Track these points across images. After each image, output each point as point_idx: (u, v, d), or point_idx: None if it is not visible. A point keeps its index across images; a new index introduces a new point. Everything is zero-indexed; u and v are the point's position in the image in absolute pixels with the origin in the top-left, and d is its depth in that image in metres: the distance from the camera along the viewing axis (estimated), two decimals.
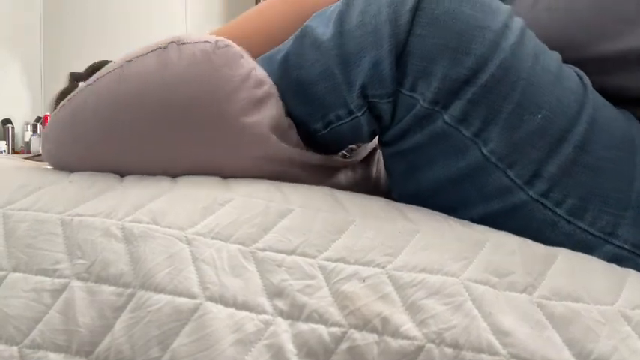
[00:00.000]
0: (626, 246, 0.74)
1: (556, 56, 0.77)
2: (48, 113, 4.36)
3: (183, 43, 0.77)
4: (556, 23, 0.84)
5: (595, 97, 0.77)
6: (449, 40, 0.69)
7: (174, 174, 0.79)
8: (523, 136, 0.71)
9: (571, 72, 0.77)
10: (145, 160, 0.79)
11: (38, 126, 4.38)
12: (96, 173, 0.80)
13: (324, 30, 0.76)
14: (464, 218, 0.76)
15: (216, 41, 0.76)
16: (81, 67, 4.46)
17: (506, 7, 0.74)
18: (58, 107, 0.80)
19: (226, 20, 4.55)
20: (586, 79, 0.78)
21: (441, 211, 0.77)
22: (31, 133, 4.31)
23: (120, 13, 4.47)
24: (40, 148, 0.84)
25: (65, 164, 0.82)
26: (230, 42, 0.78)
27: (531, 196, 0.73)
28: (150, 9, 4.50)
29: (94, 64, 4.44)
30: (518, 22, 0.74)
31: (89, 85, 0.79)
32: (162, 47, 0.78)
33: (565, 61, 0.78)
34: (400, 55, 0.71)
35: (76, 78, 4.46)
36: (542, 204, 0.73)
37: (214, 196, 0.74)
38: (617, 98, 0.80)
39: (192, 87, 0.75)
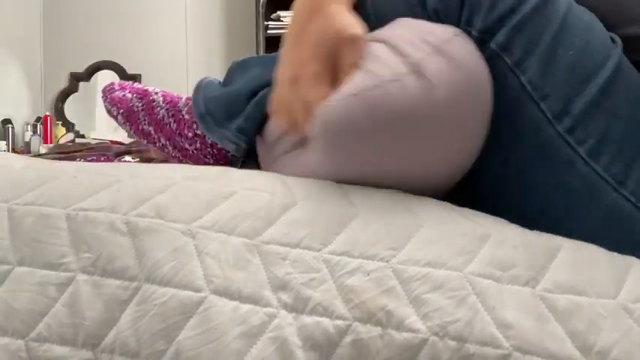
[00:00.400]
0: (632, 199, 0.78)
1: (589, 13, 0.85)
2: (48, 113, 4.36)
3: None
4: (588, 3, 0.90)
5: (622, 57, 0.83)
6: None
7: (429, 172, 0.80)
8: (556, 69, 0.78)
9: (602, 28, 0.85)
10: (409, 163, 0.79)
11: (38, 126, 4.37)
12: (99, 167, 0.80)
13: None
14: (495, 157, 0.82)
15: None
16: (81, 67, 4.46)
17: None
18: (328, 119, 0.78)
19: (227, 20, 4.55)
20: (618, 39, 0.85)
21: None
22: (31, 133, 4.31)
23: (120, 13, 4.47)
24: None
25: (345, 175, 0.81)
26: None
27: (558, 132, 0.78)
28: (150, 9, 4.50)
29: (94, 64, 4.45)
30: None
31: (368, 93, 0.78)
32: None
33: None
34: None
35: (76, 78, 4.46)
36: (567, 141, 0.78)
37: (218, 190, 0.74)
38: None
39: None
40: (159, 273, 0.66)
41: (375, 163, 0.77)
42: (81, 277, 0.67)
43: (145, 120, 1.11)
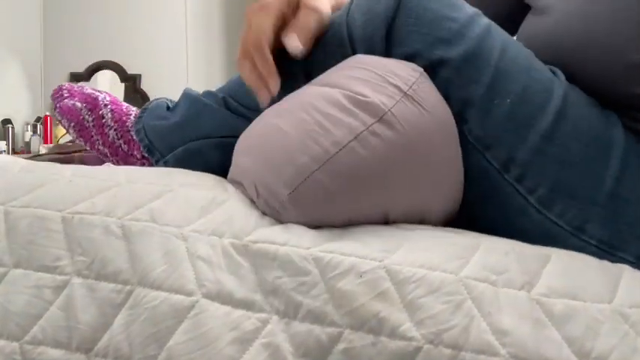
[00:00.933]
0: (592, 242, 0.77)
1: (528, 52, 0.85)
2: (48, 113, 4.36)
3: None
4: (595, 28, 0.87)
5: (570, 94, 0.82)
6: (421, 27, 0.81)
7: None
8: (495, 119, 0.78)
9: (543, 67, 0.84)
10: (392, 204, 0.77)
11: (38, 126, 4.38)
12: (96, 172, 0.80)
13: None
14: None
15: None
16: (81, 67, 4.47)
17: (472, 8, 0.84)
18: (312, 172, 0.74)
19: (226, 20, 4.56)
20: (562, 76, 0.84)
21: None
22: (31, 133, 4.31)
23: (120, 13, 4.47)
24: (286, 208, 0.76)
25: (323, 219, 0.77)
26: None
27: (508, 180, 0.78)
28: (150, 9, 4.50)
29: (94, 64, 4.45)
30: (484, 19, 0.84)
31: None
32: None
33: (602, 67, 0.85)
34: (387, 37, 0.83)
35: (76, 78, 4.46)
36: (517, 189, 0.78)
37: (212, 197, 0.75)
38: (622, 105, 0.85)
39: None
40: (150, 276, 0.65)
41: (359, 215, 0.76)
42: (76, 280, 0.67)
43: (98, 140, 1.09)
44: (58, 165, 0.86)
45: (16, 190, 0.75)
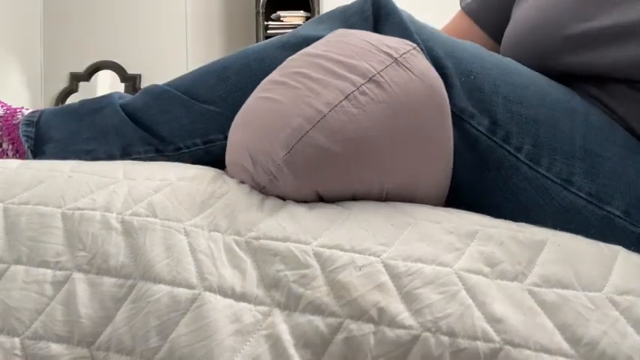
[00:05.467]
0: (582, 194, 0.83)
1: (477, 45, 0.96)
2: None
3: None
4: (545, 8, 1.01)
5: (524, 70, 0.93)
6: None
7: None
8: (468, 93, 0.87)
9: (493, 54, 0.95)
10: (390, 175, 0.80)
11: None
12: (94, 167, 0.80)
13: None
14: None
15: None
16: (81, 67, 4.46)
17: None
18: (304, 136, 0.76)
19: (227, 20, 4.56)
20: (512, 60, 0.95)
21: None
22: None
23: (120, 13, 4.47)
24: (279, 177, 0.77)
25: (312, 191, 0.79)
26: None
27: (496, 142, 0.85)
28: (150, 9, 4.50)
29: (94, 64, 4.45)
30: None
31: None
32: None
33: (545, 38, 0.98)
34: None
35: (76, 78, 4.46)
36: (506, 149, 0.85)
37: (212, 190, 0.75)
38: (582, 76, 0.95)
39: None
40: (153, 270, 0.66)
41: (354, 181, 0.77)
42: (77, 275, 0.67)
43: None
44: (56, 161, 0.86)
45: (15, 186, 0.76)
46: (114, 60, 4.47)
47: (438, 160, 0.82)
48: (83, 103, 1.04)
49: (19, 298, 0.67)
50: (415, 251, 0.68)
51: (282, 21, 4.14)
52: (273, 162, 0.76)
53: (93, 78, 4.48)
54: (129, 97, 1.03)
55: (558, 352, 0.61)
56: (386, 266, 0.66)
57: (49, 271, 0.68)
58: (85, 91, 4.43)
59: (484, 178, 0.86)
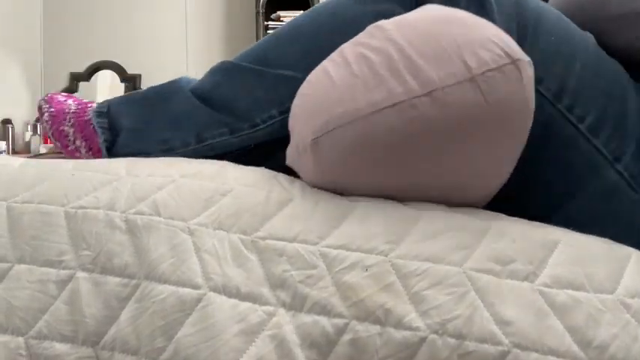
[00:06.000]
0: (625, 174, 0.81)
1: (555, 11, 0.90)
2: None
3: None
4: None
5: (599, 48, 0.88)
6: None
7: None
8: (544, 53, 0.81)
9: (570, 22, 0.90)
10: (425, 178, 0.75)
11: (38, 126, 4.37)
12: (97, 165, 0.80)
13: None
14: None
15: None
16: (81, 67, 4.46)
17: None
18: (330, 130, 0.73)
19: (227, 20, 4.55)
20: (592, 37, 0.90)
21: None
22: (31, 133, 4.30)
23: (120, 13, 4.47)
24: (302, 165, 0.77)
25: (343, 186, 0.77)
26: None
27: (559, 110, 0.81)
28: (150, 9, 4.49)
29: (94, 64, 4.45)
30: None
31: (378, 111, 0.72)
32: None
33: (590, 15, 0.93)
34: None
35: (76, 78, 4.45)
36: (568, 119, 0.81)
37: (215, 187, 0.75)
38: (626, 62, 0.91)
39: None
40: (158, 270, 0.66)
41: (374, 187, 0.75)
42: (81, 274, 0.67)
43: (69, 121, 1.04)
44: (58, 160, 0.86)
45: (18, 185, 0.75)
46: (114, 60, 4.46)
47: (480, 187, 0.76)
48: (152, 91, 1.01)
49: (23, 298, 0.67)
50: (424, 249, 0.67)
51: (282, 21, 4.14)
52: (302, 141, 0.75)
53: (93, 78, 4.47)
54: (196, 80, 0.99)
55: (567, 355, 0.60)
56: (394, 266, 0.65)
57: (52, 270, 0.68)
58: (85, 91, 4.42)
59: (537, 148, 0.78)
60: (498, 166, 0.75)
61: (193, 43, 4.50)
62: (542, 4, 0.88)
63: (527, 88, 0.72)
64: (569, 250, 0.70)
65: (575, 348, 0.61)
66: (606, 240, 0.74)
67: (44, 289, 0.67)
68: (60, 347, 0.65)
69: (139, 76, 4.44)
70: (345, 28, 0.85)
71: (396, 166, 0.72)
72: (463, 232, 0.70)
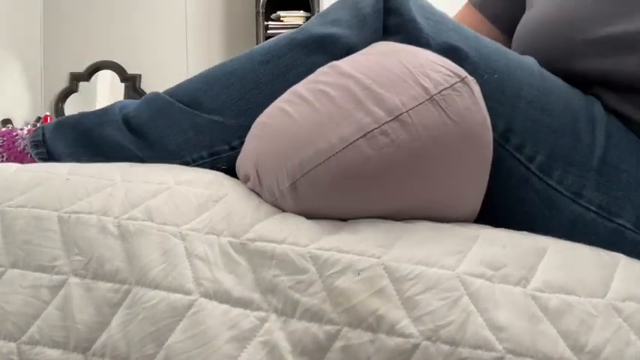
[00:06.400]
0: (592, 207, 0.81)
1: (498, 44, 0.91)
2: (48, 113, 4.36)
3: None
4: (561, 7, 0.96)
5: (547, 73, 0.89)
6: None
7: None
8: (488, 93, 0.79)
9: (516, 53, 0.90)
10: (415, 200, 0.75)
11: (38, 126, 4.37)
12: (92, 169, 0.79)
13: None
14: None
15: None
16: (81, 67, 4.46)
17: None
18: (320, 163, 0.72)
19: (227, 20, 4.55)
20: (535, 62, 0.90)
21: None
22: None
23: (120, 13, 4.47)
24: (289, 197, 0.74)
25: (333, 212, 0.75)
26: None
27: (508, 150, 0.81)
28: (150, 9, 4.49)
29: (94, 64, 4.45)
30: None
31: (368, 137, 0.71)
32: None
33: (560, 40, 0.93)
34: None
35: (76, 78, 4.46)
36: (518, 159, 0.81)
37: (209, 194, 0.74)
38: (597, 83, 0.91)
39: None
40: (148, 276, 0.65)
41: (357, 215, 0.74)
42: (73, 279, 0.67)
43: (2, 157, 0.99)
44: (55, 164, 0.86)
45: (12, 189, 0.75)
46: (114, 60, 4.47)
47: (459, 201, 0.76)
48: (85, 117, 0.99)
49: (16, 303, 0.67)
50: (417, 253, 0.66)
51: (282, 21, 4.14)
52: (277, 187, 0.74)
53: (93, 78, 4.48)
54: (131, 107, 0.98)
55: None
56: (387, 269, 0.65)
57: (45, 276, 0.68)
58: (85, 91, 4.43)
59: (492, 185, 0.79)
60: (473, 180, 0.76)
61: (193, 43, 4.50)
62: (482, 39, 0.88)
63: (480, 101, 0.75)
64: (559, 256, 0.69)
65: (568, 353, 0.60)
66: (593, 247, 0.74)
67: (37, 294, 0.67)
68: (51, 353, 0.64)
69: (139, 76, 4.44)
70: (275, 79, 0.88)
71: (377, 194, 0.72)
72: (453, 238, 0.70)
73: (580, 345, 0.61)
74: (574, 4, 0.94)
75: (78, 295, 0.66)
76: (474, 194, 0.77)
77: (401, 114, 0.71)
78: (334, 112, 0.73)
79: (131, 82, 4.44)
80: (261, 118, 0.82)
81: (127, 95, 4.38)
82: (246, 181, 0.81)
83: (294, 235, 0.68)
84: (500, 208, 0.81)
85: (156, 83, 4.34)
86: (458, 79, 0.74)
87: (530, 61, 0.89)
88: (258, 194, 0.78)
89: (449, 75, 0.74)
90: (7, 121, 4.15)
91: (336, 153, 0.70)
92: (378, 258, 0.66)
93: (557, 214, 0.81)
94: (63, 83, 4.49)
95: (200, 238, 0.68)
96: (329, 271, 0.65)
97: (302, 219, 0.72)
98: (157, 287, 0.65)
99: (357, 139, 0.70)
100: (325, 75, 0.79)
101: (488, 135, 0.75)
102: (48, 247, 0.69)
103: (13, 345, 0.65)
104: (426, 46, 0.83)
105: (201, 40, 4.53)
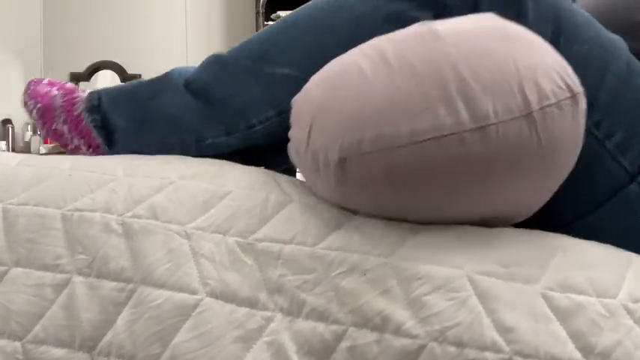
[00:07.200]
0: None
1: (586, 14, 0.84)
2: None
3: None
4: None
5: (630, 55, 0.82)
6: None
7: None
8: (576, 64, 0.70)
9: (601, 26, 0.84)
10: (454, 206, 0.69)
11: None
12: (94, 164, 0.79)
13: None
14: None
15: None
16: (81, 67, 4.45)
17: None
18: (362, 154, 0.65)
19: (227, 20, 4.55)
20: (622, 39, 0.84)
21: None
22: (31, 133, 4.29)
23: (120, 13, 4.46)
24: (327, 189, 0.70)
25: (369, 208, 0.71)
26: None
27: (586, 126, 0.71)
28: (150, 9, 4.49)
29: (94, 64, 4.45)
30: None
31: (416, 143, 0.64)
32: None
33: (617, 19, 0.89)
34: None
35: (76, 78, 4.45)
36: (595, 135, 0.75)
37: (214, 190, 0.73)
38: None
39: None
40: (154, 275, 0.65)
41: (396, 214, 0.70)
42: (77, 278, 0.67)
43: (60, 118, 0.98)
44: (57, 157, 0.85)
45: (15, 186, 0.75)
46: (114, 60, 4.46)
47: (528, 207, 0.72)
48: (142, 86, 0.95)
49: (19, 302, 0.67)
50: (425, 252, 0.66)
51: None
52: (325, 155, 0.67)
53: (93, 78, 4.47)
54: (192, 70, 0.92)
55: None
56: (394, 269, 0.64)
57: (49, 274, 0.68)
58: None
59: None
60: (540, 196, 0.71)
61: (193, 43, 4.50)
62: (576, 7, 0.83)
63: (581, 123, 0.69)
64: (570, 255, 0.68)
65: (577, 355, 0.59)
66: (606, 245, 0.72)
67: (41, 293, 0.67)
68: (56, 352, 0.64)
69: (139, 76, 4.43)
70: (350, 26, 0.81)
71: (428, 199, 0.67)
72: (462, 237, 0.69)
73: (589, 346, 0.60)
74: None
75: (82, 294, 0.66)
76: (534, 207, 0.72)
77: (488, 125, 0.63)
78: (415, 95, 0.64)
79: None
80: (336, 66, 0.73)
81: None
82: (294, 130, 0.74)
83: (301, 235, 0.68)
84: (563, 190, 0.72)
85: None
86: (568, 95, 0.66)
87: (617, 38, 0.83)
88: (296, 151, 0.73)
89: (560, 88, 0.66)
90: (7, 121, 4.15)
91: (401, 146, 0.63)
92: (386, 258, 0.65)
93: (617, 194, 0.76)
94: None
95: (206, 237, 0.68)
96: (335, 271, 0.64)
97: (310, 214, 0.71)
98: (162, 286, 0.64)
99: (429, 139, 0.63)
100: (420, 41, 0.68)
101: (575, 156, 0.70)
102: (51, 245, 0.69)
103: (18, 344, 0.65)
104: (524, 16, 0.76)
105: (201, 40, 4.53)
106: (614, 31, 0.85)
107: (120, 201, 0.71)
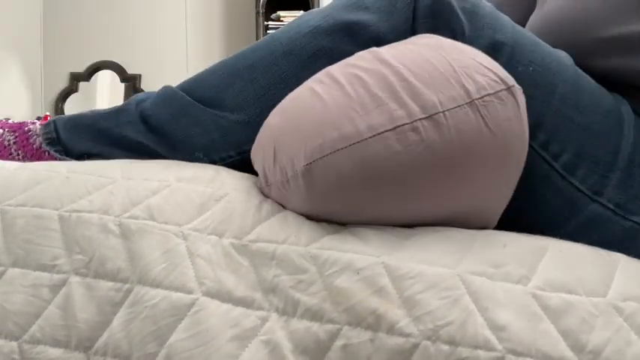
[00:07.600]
0: (610, 206, 0.79)
1: (533, 35, 0.86)
2: (48, 113, 4.36)
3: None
4: (576, 5, 0.93)
5: (579, 71, 0.85)
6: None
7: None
8: (522, 85, 0.74)
9: (544, 43, 0.86)
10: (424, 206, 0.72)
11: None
12: (92, 167, 0.79)
13: None
14: None
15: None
16: (81, 67, 4.46)
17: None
18: (331, 153, 0.68)
19: (226, 20, 4.55)
20: (569, 56, 0.88)
21: None
22: None
23: (120, 13, 4.47)
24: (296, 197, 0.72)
25: (339, 215, 0.73)
26: None
27: (532, 147, 0.76)
28: (150, 9, 4.49)
29: (94, 64, 4.45)
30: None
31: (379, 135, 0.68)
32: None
33: (575, 37, 0.90)
34: None
35: (76, 78, 4.46)
36: (542, 156, 0.78)
37: (210, 192, 0.74)
38: (617, 83, 0.88)
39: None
40: (150, 275, 0.65)
41: (368, 216, 0.72)
42: (74, 278, 0.67)
43: (17, 154, 0.95)
44: (54, 162, 0.86)
45: (13, 188, 0.75)
46: (114, 60, 4.47)
47: (485, 211, 0.74)
48: (100, 117, 0.93)
49: (16, 302, 0.67)
50: (417, 253, 0.66)
51: (282, 21, 4.14)
52: (292, 166, 0.70)
53: (93, 78, 4.48)
54: (148, 102, 0.92)
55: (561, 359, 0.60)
56: (386, 268, 0.65)
57: (46, 275, 0.68)
58: (85, 91, 4.43)
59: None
60: (499, 190, 0.73)
61: (193, 43, 4.50)
62: (519, 28, 0.84)
63: (524, 114, 0.72)
64: (559, 255, 0.69)
65: (569, 353, 0.60)
66: (593, 247, 0.74)
67: (38, 293, 0.67)
68: (53, 352, 0.65)
69: (139, 76, 4.44)
70: (302, 66, 0.84)
71: (397, 193, 0.69)
72: (453, 239, 0.70)
73: (581, 344, 0.61)
74: (588, 3, 0.91)
75: (79, 294, 0.66)
76: (498, 204, 0.74)
77: (436, 113, 0.67)
78: (366, 98, 0.69)
79: (131, 82, 4.44)
80: (290, 96, 0.78)
81: (127, 95, 4.38)
82: (257, 157, 0.77)
83: (294, 235, 0.69)
84: (518, 206, 0.77)
85: (156, 83, 4.33)
86: (504, 87, 0.70)
87: (563, 55, 0.86)
88: (263, 180, 0.76)
89: (495, 81, 0.71)
90: None
91: (361, 141, 0.67)
92: (378, 257, 0.66)
93: (575, 214, 0.78)
94: (63, 83, 4.49)
95: (202, 239, 0.68)
96: (329, 271, 0.65)
97: (303, 219, 0.72)
98: (158, 286, 0.65)
99: (386, 131, 0.67)
100: (363, 60, 0.74)
101: (525, 148, 0.72)
102: (49, 246, 0.69)
103: (14, 344, 0.65)
104: (460, 35, 0.79)
105: (201, 40, 4.53)
106: (567, 49, 0.88)
107: (117, 202, 0.72)
